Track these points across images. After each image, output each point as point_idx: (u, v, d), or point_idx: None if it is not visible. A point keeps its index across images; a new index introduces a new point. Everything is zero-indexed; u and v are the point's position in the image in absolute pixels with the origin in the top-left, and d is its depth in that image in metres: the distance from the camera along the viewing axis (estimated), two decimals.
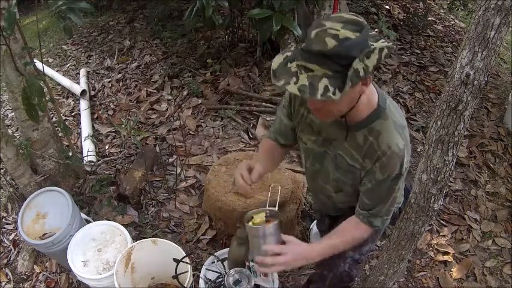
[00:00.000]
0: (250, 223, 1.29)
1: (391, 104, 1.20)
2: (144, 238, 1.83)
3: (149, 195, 2.34)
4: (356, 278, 1.48)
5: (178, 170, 2.45)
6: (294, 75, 1.00)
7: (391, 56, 3.49)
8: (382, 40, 1.03)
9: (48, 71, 3.47)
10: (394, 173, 1.17)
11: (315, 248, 1.26)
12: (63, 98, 3.26)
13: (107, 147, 2.70)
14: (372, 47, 0.99)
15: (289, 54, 1.06)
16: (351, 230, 1.28)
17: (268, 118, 2.75)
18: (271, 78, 1.05)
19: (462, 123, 0.95)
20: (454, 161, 1.02)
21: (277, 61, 1.06)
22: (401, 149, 1.15)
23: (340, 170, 1.30)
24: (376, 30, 3.73)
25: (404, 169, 1.18)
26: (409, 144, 1.19)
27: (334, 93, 0.96)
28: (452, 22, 4.49)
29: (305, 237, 2.10)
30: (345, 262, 1.40)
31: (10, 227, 2.20)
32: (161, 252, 1.65)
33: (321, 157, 1.35)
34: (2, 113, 3.11)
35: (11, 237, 2.17)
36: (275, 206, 1.42)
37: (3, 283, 1.99)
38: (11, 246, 2.13)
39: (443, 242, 2.20)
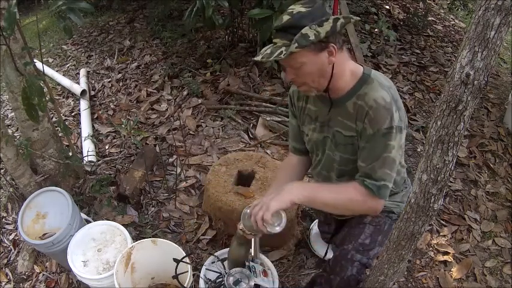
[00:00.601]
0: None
1: (376, 72, 1.29)
2: (144, 238, 1.83)
3: (149, 195, 2.34)
4: (361, 283, 1.46)
5: (178, 170, 2.45)
6: (266, 50, 1.20)
7: (391, 55, 3.49)
8: (351, 18, 1.18)
9: (48, 71, 3.47)
10: (384, 127, 1.20)
11: (295, 183, 1.33)
12: (63, 98, 3.26)
13: (107, 147, 2.70)
14: (328, 17, 1.15)
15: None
16: (346, 186, 1.31)
17: (268, 118, 2.75)
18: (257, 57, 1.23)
19: (462, 123, 0.95)
20: (454, 161, 1.01)
21: (263, 50, 1.23)
22: (388, 101, 1.19)
23: (340, 146, 1.34)
24: (376, 30, 3.73)
25: (395, 124, 1.19)
26: (399, 101, 1.24)
27: (282, 54, 1.14)
28: (452, 22, 4.49)
29: (305, 237, 2.10)
30: (353, 266, 1.38)
31: (10, 227, 2.20)
32: (161, 252, 1.65)
33: (322, 144, 1.40)
34: (2, 113, 3.11)
35: (11, 237, 2.17)
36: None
37: (3, 283, 1.99)
38: (11, 246, 2.13)
39: (443, 242, 2.20)
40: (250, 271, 1.43)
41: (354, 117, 1.26)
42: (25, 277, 2.01)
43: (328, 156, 1.40)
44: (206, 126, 2.79)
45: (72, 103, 3.18)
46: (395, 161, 1.25)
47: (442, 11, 4.69)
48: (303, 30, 1.12)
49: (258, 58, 1.20)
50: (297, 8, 1.16)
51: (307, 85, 1.25)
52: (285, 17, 1.16)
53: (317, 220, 2.04)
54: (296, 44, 1.12)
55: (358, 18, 1.21)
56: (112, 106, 3.09)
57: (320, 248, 2.00)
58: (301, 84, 1.27)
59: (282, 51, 1.14)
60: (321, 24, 1.13)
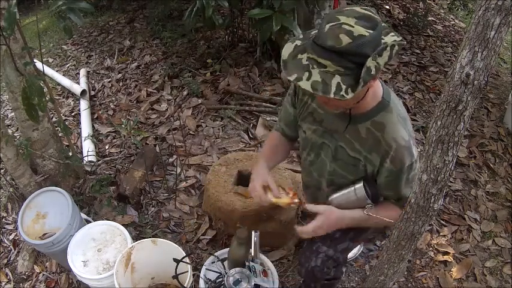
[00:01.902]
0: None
1: (394, 98, 1.23)
2: (144, 238, 1.83)
3: (149, 195, 2.34)
4: (338, 280, 1.46)
5: (178, 170, 2.45)
6: (306, 69, 1.00)
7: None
8: (392, 33, 1.04)
9: (48, 71, 3.46)
10: (407, 164, 1.21)
11: (348, 215, 1.31)
12: (63, 98, 3.26)
13: (107, 147, 2.70)
14: (383, 43, 0.99)
15: (298, 43, 1.06)
16: (389, 209, 1.31)
17: (268, 118, 2.75)
18: (282, 69, 1.06)
19: (462, 123, 0.95)
20: (454, 161, 1.01)
21: (287, 51, 1.06)
22: (407, 140, 1.18)
23: (339, 161, 1.31)
24: None
25: (415, 157, 1.21)
26: (413, 133, 1.24)
27: (346, 92, 0.97)
28: (452, 22, 4.49)
29: None
30: (317, 257, 1.38)
31: (10, 227, 2.20)
32: (161, 252, 1.65)
33: (318, 148, 1.36)
34: (2, 113, 3.11)
35: (11, 237, 2.17)
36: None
37: (3, 283, 1.99)
38: (11, 246, 2.13)
39: (443, 242, 2.20)
40: (250, 271, 1.43)
41: (366, 144, 1.22)
42: (25, 277, 2.01)
43: (322, 161, 1.37)
44: (206, 126, 2.79)
45: (72, 103, 3.18)
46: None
47: (442, 11, 4.68)
48: (368, 64, 0.95)
49: (305, 86, 0.98)
50: (356, 28, 0.96)
51: (338, 106, 1.17)
52: (344, 38, 0.95)
53: None
54: (362, 84, 0.96)
55: (405, 42, 1.06)
56: (112, 106, 3.09)
57: None
58: (331, 106, 1.17)
59: (340, 87, 0.96)
60: (380, 53, 0.98)
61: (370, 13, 1.00)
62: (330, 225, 1.29)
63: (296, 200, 1.40)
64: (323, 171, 1.38)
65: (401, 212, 1.30)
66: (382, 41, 1.00)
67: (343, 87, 0.96)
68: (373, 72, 0.97)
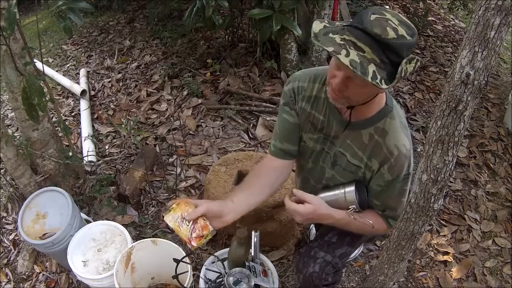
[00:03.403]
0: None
1: (396, 105, 1.23)
2: (144, 238, 1.83)
3: (149, 195, 2.34)
4: (336, 284, 1.40)
5: (178, 170, 2.45)
6: (343, 47, 0.97)
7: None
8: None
9: (48, 71, 3.46)
10: (402, 174, 1.19)
11: (332, 214, 1.26)
12: (63, 98, 3.26)
13: (107, 147, 2.70)
14: (414, 56, 1.01)
15: (327, 25, 1.05)
16: (375, 219, 1.30)
17: (268, 118, 2.75)
18: (313, 40, 1.03)
19: (462, 123, 0.95)
20: (454, 161, 1.01)
21: (317, 27, 1.04)
22: (408, 149, 1.17)
23: (338, 167, 1.29)
24: None
25: (411, 170, 1.21)
26: (411, 143, 1.22)
27: (381, 82, 0.96)
28: (452, 22, 4.49)
29: (305, 238, 2.10)
30: (315, 263, 1.35)
31: (10, 227, 2.20)
32: (161, 252, 1.64)
33: (317, 155, 1.34)
34: (2, 113, 3.11)
35: (11, 237, 2.17)
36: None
37: (3, 283, 1.99)
38: (11, 246, 2.13)
39: (443, 242, 2.20)
40: (250, 271, 1.43)
41: (368, 151, 1.21)
42: (25, 277, 2.01)
43: (321, 168, 1.35)
44: (206, 126, 2.79)
45: (72, 103, 3.18)
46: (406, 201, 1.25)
47: (442, 11, 4.68)
48: (403, 64, 0.97)
49: (344, 61, 0.95)
50: (401, 30, 0.97)
51: (348, 99, 1.11)
52: (391, 32, 0.96)
53: None
54: (396, 81, 0.98)
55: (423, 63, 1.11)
56: (112, 106, 3.09)
57: None
58: (343, 97, 1.10)
59: (376, 75, 0.95)
60: (410, 61, 1.00)
61: (410, 23, 1.02)
62: (314, 217, 1.24)
63: (193, 244, 1.20)
64: (321, 178, 1.37)
65: (385, 226, 1.31)
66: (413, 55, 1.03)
67: (378, 76, 0.96)
68: (403, 74, 0.98)
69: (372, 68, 0.96)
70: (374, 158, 1.20)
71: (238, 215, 1.28)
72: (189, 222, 1.19)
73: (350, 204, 1.26)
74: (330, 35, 1.01)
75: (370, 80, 0.95)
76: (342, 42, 0.98)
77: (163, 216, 1.22)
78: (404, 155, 1.16)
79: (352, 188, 1.26)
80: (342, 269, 1.43)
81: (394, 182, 1.21)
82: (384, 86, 0.96)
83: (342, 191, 1.28)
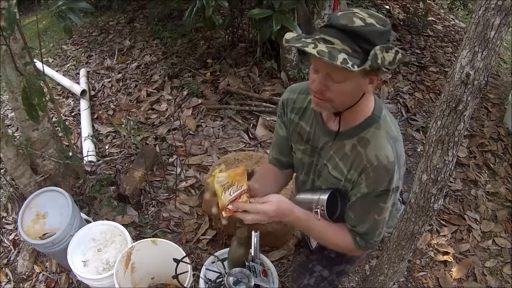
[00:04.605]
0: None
1: (387, 115, 1.15)
2: (144, 238, 1.83)
3: (149, 195, 2.34)
4: None
5: (178, 170, 2.45)
6: (312, 43, 0.98)
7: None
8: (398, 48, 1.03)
9: (48, 71, 3.46)
10: (380, 188, 1.10)
11: (296, 212, 1.17)
12: (63, 98, 3.26)
13: (107, 147, 2.70)
14: (391, 46, 0.99)
15: (301, 34, 1.07)
16: (341, 232, 1.22)
17: (268, 118, 2.75)
18: (284, 43, 1.04)
19: (462, 123, 0.95)
20: (454, 161, 1.02)
21: (290, 35, 1.05)
22: (391, 161, 1.07)
23: (321, 179, 1.25)
24: None
25: (393, 186, 1.10)
26: (402, 159, 1.12)
27: (353, 66, 0.93)
28: (452, 22, 4.49)
29: (305, 238, 2.10)
30: (311, 276, 1.32)
31: (10, 227, 2.20)
32: (161, 252, 1.64)
33: (308, 167, 1.30)
34: (2, 113, 3.11)
35: (11, 237, 2.17)
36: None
37: (3, 283, 1.99)
38: (11, 246, 2.13)
39: (443, 242, 2.20)
40: (250, 271, 1.43)
41: (349, 163, 1.14)
42: (25, 277, 2.01)
43: (312, 180, 1.31)
44: (206, 126, 2.79)
45: (72, 103, 3.18)
46: (385, 220, 1.18)
47: (442, 11, 4.68)
48: (376, 50, 0.95)
49: (311, 51, 0.94)
50: (369, 19, 0.97)
51: (331, 102, 1.07)
52: (357, 21, 0.96)
53: None
54: (370, 63, 0.94)
55: (407, 58, 1.07)
56: (112, 106, 3.09)
57: None
58: (324, 99, 1.06)
59: (347, 61, 0.93)
60: (387, 50, 0.97)
61: (382, 17, 1.02)
62: (278, 213, 1.13)
63: (223, 214, 1.16)
64: (314, 189, 1.32)
65: (351, 244, 1.21)
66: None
67: (350, 62, 0.94)
68: (379, 61, 0.95)
69: (342, 56, 0.94)
70: (354, 169, 1.13)
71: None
72: (232, 193, 1.14)
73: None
74: (302, 39, 1.02)
75: (339, 64, 0.92)
76: (311, 41, 0.99)
77: (211, 176, 1.17)
78: (385, 166, 1.07)
79: (325, 196, 1.20)
80: (337, 286, 1.40)
81: (369, 195, 1.12)
82: (356, 69, 0.93)
83: (317, 196, 1.22)
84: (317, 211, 1.18)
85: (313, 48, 0.95)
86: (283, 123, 1.32)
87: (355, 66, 0.93)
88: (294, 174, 1.46)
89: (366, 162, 1.09)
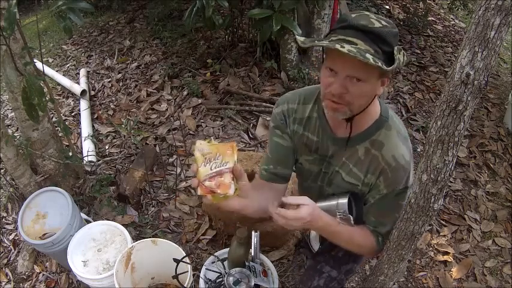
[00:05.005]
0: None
1: (393, 115, 1.17)
2: (144, 238, 1.83)
3: (149, 195, 2.34)
4: None
5: (178, 170, 2.45)
6: (336, 43, 0.94)
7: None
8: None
9: (48, 71, 3.46)
10: (399, 187, 1.13)
11: (325, 217, 1.15)
12: (63, 98, 3.26)
13: (107, 147, 2.70)
14: (400, 48, 1.00)
15: (312, 37, 1.07)
16: (364, 234, 1.23)
17: (268, 118, 2.75)
18: (302, 44, 1.02)
19: (462, 123, 0.95)
20: (454, 161, 1.01)
21: (300, 38, 1.05)
22: (407, 161, 1.10)
23: (334, 186, 1.25)
24: None
25: (410, 183, 1.13)
26: (412, 157, 1.15)
27: (382, 65, 0.93)
28: (452, 22, 4.49)
29: (305, 237, 2.10)
30: (320, 277, 1.33)
31: (10, 227, 2.20)
32: (161, 252, 1.64)
33: (316, 176, 1.29)
34: (2, 113, 3.11)
35: (11, 237, 2.17)
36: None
37: (3, 283, 1.99)
38: (11, 246, 2.13)
39: (443, 242, 2.20)
40: (250, 271, 1.43)
41: (365, 168, 1.14)
42: (25, 277, 2.01)
43: (320, 187, 1.31)
44: (206, 126, 2.79)
45: (72, 103, 3.18)
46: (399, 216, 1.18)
47: (442, 11, 4.68)
48: (396, 51, 0.97)
49: (342, 49, 0.91)
50: (382, 21, 0.98)
51: (350, 105, 1.04)
52: (376, 22, 0.97)
53: None
54: (396, 65, 0.95)
55: (408, 59, 1.07)
56: (112, 106, 3.09)
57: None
58: (343, 103, 1.03)
59: (374, 59, 0.93)
60: (399, 51, 0.98)
61: (389, 20, 1.03)
62: (313, 219, 1.10)
63: (198, 191, 1.01)
64: (320, 196, 1.32)
65: (374, 245, 1.23)
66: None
67: (379, 61, 0.94)
68: (397, 62, 0.96)
69: (369, 55, 0.94)
70: (371, 173, 1.14)
71: (250, 209, 1.20)
72: (213, 168, 0.99)
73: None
74: (316, 42, 1.01)
75: (372, 61, 0.91)
76: (334, 40, 0.97)
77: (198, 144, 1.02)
78: (403, 166, 1.10)
79: (345, 200, 1.20)
80: (344, 286, 1.41)
81: (389, 195, 1.14)
82: (386, 67, 0.94)
83: (335, 202, 1.21)
84: (340, 216, 1.18)
85: (341, 47, 0.92)
86: (286, 134, 1.26)
87: (384, 66, 0.94)
88: (294, 180, 1.44)
89: (384, 164, 1.10)
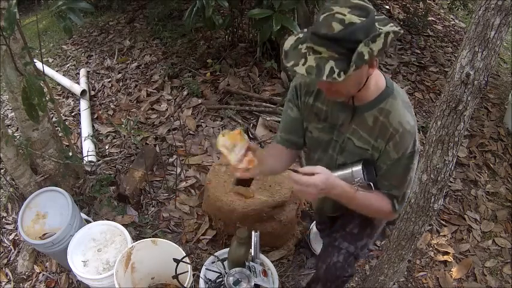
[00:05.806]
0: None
1: (396, 86, 1.26)
2: (144, 238, 1.83)
3: (149, 195, 2.34)
4: (352, 277, 1.46)
5: (178, 170, 2.45)
6: (303, 56, 1.05)
7: (391, 55, 3.50)
8: (391, 24, 1.08)
9: (48, 71, 3.46)
10: (408, 151, 1.20)
11: (341, 184, 1.22)
12: (63, 98, 3.26)
13: (107, 147, 2.70)
14: (379, 31, 1.03)
15: (301, 36, 1.11)
16: (380, 199, 1.29)
17: (268, 118, 2.75)
18: (283, 58, 1.10)
19: (462, 123, 0.95)
20: (454, 161, 1.02)
21: (289, 42, 1.11)
22: (413, 125, 1.19)
23: (346, 153, 1.32)
24: None
25: (417, 147, 1.21)
26: (416, 122, 1.23)
27: (338, 75, 1.01)
28: (452, 22, 4.49)
29: (305, 237, 2.10)
30: (339, 253, 1.40)
31: (10, 227, 2.20)
32: (161, 252, 1.65)
33: (326, 145, 1.37)
34: (2, 113, 3.11)
35: (11, 237, 2.17)
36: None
37: (3, 283, 1.99)
38: (11, 246, 2.13)
39: (443, 242, 2.20)
40: (250, 271, 1.43)
41: (375, 133, 1.23)
42: (25, 277, 2.01)
43: (330, 157, 1.37)
44: (206, 126, 2.79)
45: (72, 103, 3.18)
46: (412, 179, 1.27)
47: (442, 11, 4.68)
48: (359, 49, 0.99)
49: (300, 71, 1.03)
50: (348, 16, 1.00)
51: (340, 94, 1.17)
52: (336, 26, 1.00)
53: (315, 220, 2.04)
54: (354, 67, 1.00)
55: (402, 32, 1.07)
56: (112, 106, 3.09)
57: (320, 247, 2.00)
58: (333, 94, 1.17)
59: (333, 70, 1.00)
60: (374, 40, 1.01)
61: (363, 2, 1.05)
62: (328, 186, 1.18)
63: (237, 174, 1.25)
64: (330, 166, 1.36)
65: (390, 208, 1.29)
66: (380, 30, 1.04)
67: (336, 70, 1.01)
68: (366, 57, 1.00)
69: (329, 65, 1.01)
70: (380, 138, 1.22)
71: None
72: (237, 152, 1.24)
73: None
74: (299, 46, 1.08)
75: (325, 78, 1.00)
76: (305, 51, 1.06)
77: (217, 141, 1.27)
78: (409, 131, 1.18)
79: (359, 167, 1.27)
80: (358, 261, 1.47)
81: (399, 160, 1.22)
82: (341, 78, 1.00)
83: (350, 170, 1.29)
84: (359, 183, 1.25)
85: (302, 65, 1.03)
86: (295, 106, 1.38)
87: (342, 74, 1.00)
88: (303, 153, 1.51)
89: (392, 130, 1.19)
